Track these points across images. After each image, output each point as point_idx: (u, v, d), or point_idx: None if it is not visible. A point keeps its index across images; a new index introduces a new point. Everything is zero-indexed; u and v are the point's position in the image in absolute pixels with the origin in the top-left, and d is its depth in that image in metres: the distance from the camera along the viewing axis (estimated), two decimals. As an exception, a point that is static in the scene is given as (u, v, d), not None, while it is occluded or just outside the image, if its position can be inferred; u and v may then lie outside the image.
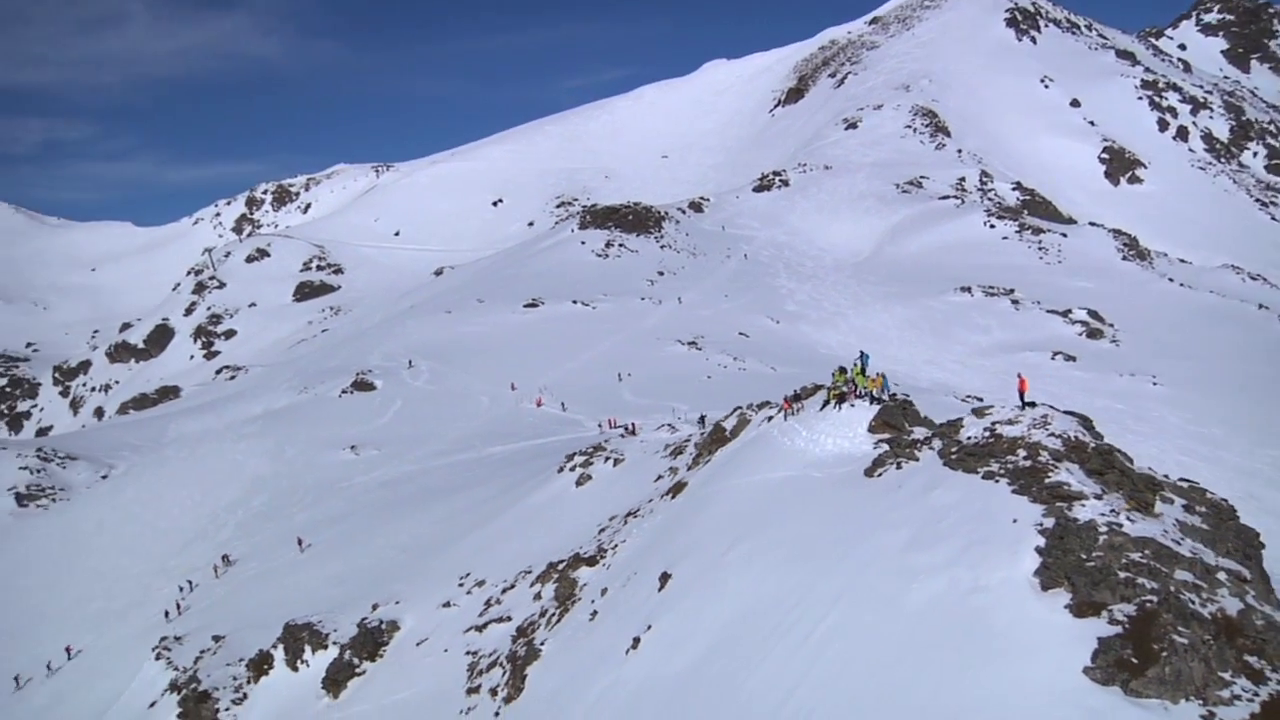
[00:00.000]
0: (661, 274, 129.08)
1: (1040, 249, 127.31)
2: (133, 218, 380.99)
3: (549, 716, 26.96)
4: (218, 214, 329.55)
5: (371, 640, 41.11)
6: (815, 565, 22.13)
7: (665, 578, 27.19)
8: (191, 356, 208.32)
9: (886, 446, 26.02)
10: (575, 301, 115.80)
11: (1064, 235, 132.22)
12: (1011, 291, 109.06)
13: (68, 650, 59.19)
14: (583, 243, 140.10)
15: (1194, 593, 17.09)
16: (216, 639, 48.59)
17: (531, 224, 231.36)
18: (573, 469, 52.05)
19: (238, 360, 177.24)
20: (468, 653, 36.55)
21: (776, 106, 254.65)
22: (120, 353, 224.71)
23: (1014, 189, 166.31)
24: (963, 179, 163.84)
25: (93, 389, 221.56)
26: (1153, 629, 16.20)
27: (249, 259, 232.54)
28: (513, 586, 40.10)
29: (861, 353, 32.50)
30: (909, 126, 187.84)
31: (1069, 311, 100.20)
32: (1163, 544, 18.01)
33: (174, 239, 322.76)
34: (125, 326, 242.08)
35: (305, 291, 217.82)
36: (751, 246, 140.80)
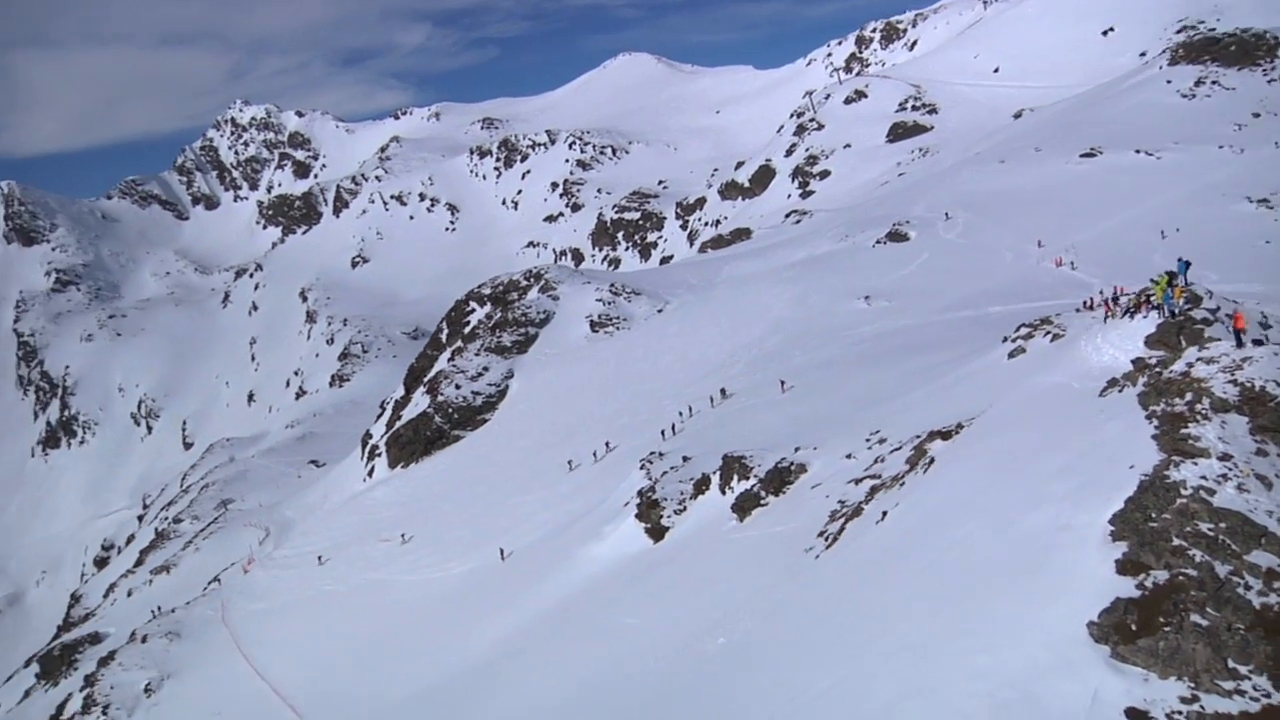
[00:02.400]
0: (1257, 115, 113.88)
1: None
2: (754, 62, 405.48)
3: (827, 565, 30.60)
4: (829, 54, 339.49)
5: (779, 478, 46.26)
6: (989, 479, 23.33)
7: (930, 462, 29.05)
8: (789, 195, 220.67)
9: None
10: (1138, 151, 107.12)
11: None
12: None
13: (606, 445, 72.39)
14: (1168, 81, 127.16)
15: (1260, 578, 16.45)
16: (685, 459, 56.64)
17: (1143, 55, 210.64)
18: (1014, 340, 51.98)
19: (830, 201, 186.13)
20: (839, 501, 40.33)
21: None
22: (729, 190, 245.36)
23: None
24: None
25: (705, 223, 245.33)
26: (1167, 601, 16.21)
27: (847, 100, 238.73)
28: (899, 449, 42.70)
29: (1180, 259, 30.23)
30: None
31: None
32: (1254, 521, 17.20)
33: (788, 80, 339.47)
34: (739, 165, 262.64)
35: (898, 132, 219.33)
36: None
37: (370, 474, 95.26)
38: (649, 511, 52.01)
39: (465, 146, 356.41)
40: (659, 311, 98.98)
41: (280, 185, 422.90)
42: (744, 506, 46.16)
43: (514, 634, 48.95)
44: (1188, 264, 30.25)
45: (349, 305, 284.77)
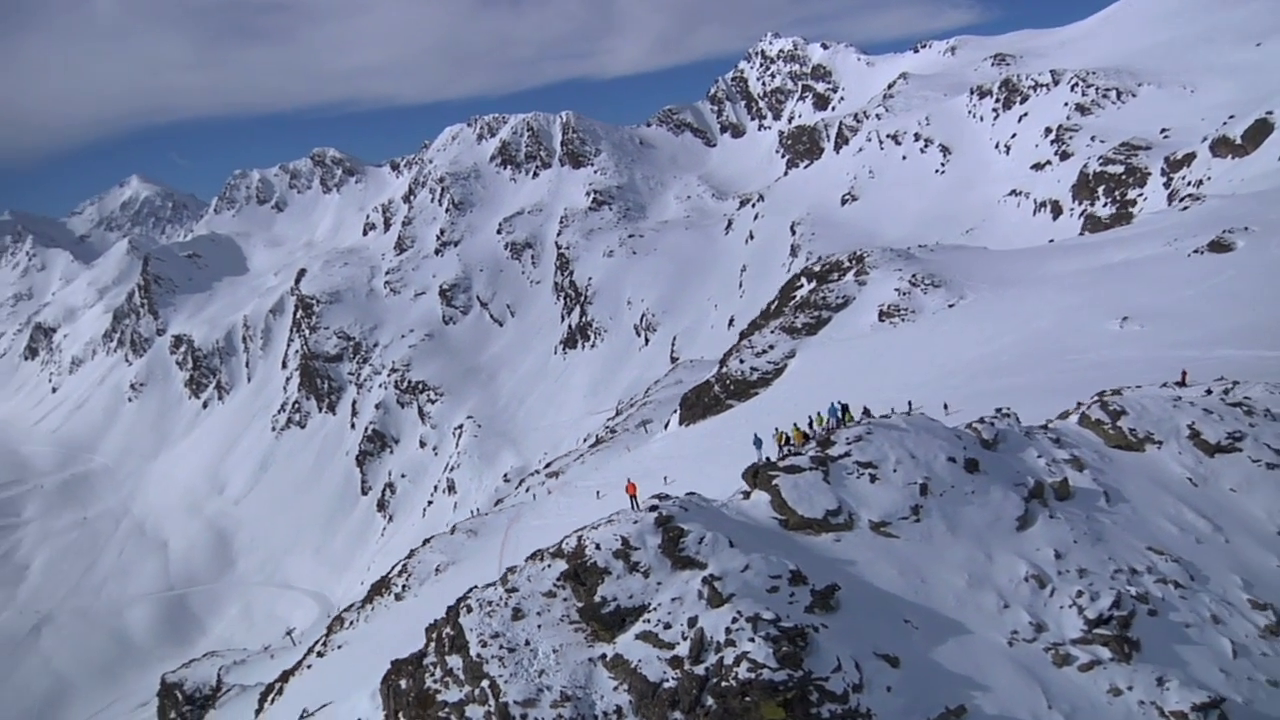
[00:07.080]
0: None
1: None
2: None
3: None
4: None
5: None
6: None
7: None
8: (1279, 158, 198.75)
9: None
10: None
11: None
12: None
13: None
14: None
15: (456, 684, 27.09)
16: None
17: None
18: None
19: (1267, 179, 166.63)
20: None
21: None
22: (1220, 147, 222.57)
23: None
24: None
25: (1188, 182, 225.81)
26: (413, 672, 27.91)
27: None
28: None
29: (834, 403, 35.32)
30: None
31: None
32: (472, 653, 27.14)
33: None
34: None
35: None
36: None
37: (666, 425, 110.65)
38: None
39: (970, 84, 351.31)
40: (949, 306, 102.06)
41: (800, 116, 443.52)
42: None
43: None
44: (844, 407, 35.87)
45: (829, 242, 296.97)
